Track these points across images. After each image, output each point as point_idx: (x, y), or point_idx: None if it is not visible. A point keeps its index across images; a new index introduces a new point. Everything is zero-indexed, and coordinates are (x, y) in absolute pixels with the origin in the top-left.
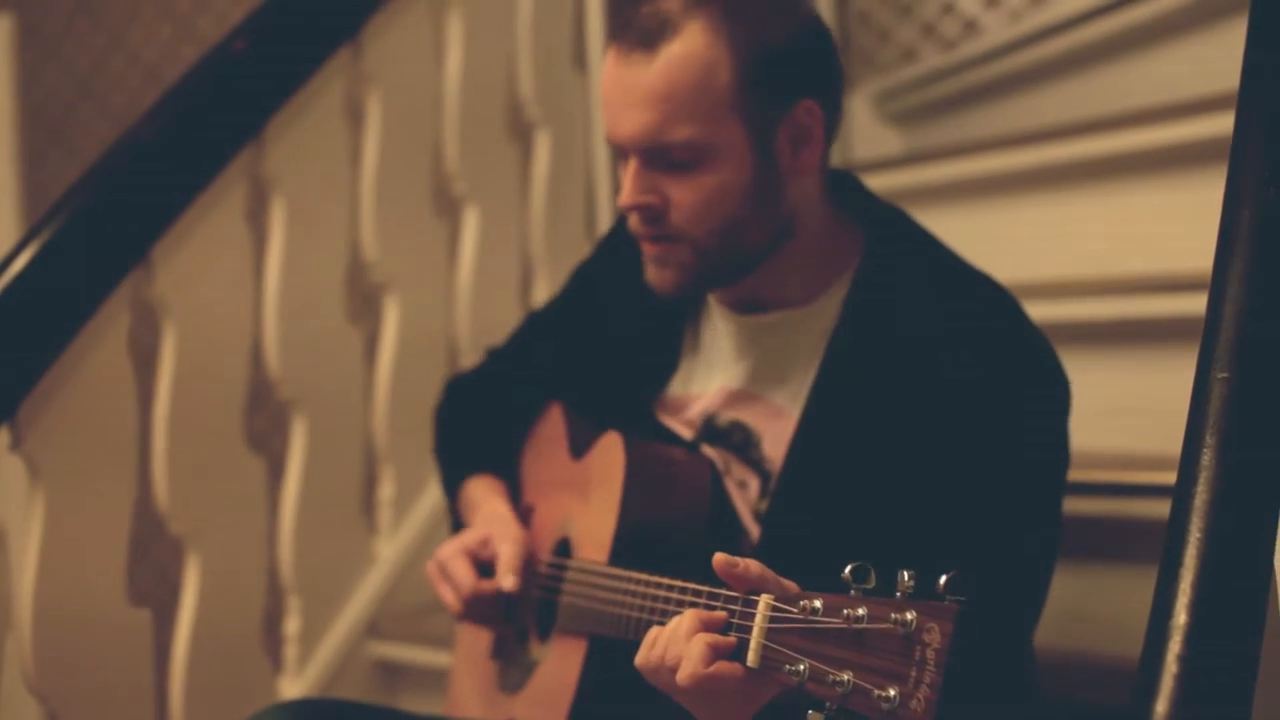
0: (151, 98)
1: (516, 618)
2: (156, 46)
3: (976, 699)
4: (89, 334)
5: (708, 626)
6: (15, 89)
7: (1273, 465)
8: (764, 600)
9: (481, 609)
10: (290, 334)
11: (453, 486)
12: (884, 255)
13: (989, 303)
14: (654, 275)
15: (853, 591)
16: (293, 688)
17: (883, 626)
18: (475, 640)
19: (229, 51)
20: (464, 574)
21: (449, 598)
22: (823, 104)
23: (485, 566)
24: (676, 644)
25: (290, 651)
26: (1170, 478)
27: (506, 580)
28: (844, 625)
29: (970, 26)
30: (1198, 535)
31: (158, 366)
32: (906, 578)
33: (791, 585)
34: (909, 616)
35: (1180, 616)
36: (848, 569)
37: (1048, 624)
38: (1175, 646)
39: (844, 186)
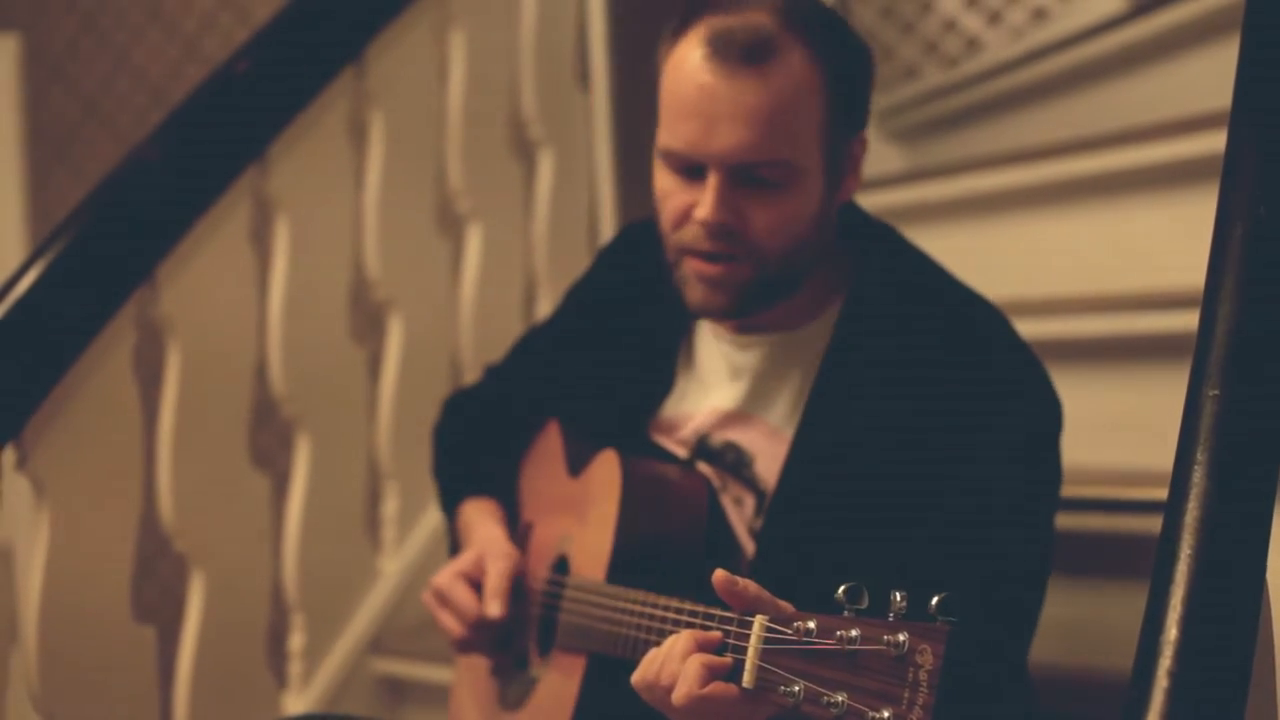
0: (157, 118)
1: (516, 638)
2: (162, 66)
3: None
4: (94, 353)
5: (703, 646)
6: (21, 108)
7: (1263, 482)
8: (759, 621)
9: (484, 633)
10: (294, 352)
11: (450, 507)
12: (876, 276)
13: (981, 323)
14: (704, 295)
15: (846, 612)
16: (297, 704)
17: (876, 648)
18: (476, 657)
19: (233, 72)
20: (467, 598)
21: (451, 624)
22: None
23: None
24: (672, 663)
25: (294, 668)
26: (1163, 493)
27: (492, 606)
28: (838, 646)
29: (972, 44)
30: (1188, 551)
31: (163, 385)
32: (899, 598)
33: (787, 606)
34: (901, 638)
35: (1171, 632)
36: (841, 590)
37: (1042, 638)
38: (1166, 661)
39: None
